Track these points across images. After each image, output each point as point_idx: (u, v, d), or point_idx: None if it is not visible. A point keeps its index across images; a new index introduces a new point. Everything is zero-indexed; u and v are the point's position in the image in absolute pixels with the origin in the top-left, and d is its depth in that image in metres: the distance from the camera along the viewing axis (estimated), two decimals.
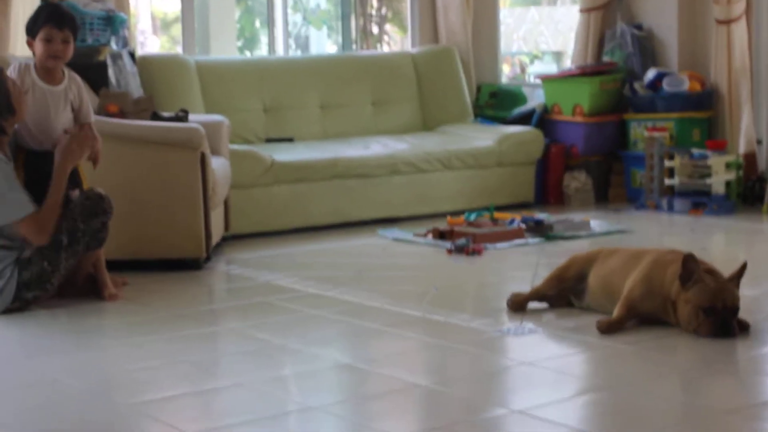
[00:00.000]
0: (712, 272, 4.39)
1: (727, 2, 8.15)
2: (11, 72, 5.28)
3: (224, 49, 11.25)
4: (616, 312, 4.51)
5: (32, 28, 5.37)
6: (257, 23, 12.38)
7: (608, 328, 4.44)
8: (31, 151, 5.34)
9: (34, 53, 5.40)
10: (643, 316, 4.54)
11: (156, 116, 6.50)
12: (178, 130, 6.10)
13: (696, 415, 3.49)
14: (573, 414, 3.54)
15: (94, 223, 5.24)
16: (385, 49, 11.25)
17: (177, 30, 11.55)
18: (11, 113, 5.15)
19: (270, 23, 8.96)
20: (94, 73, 6.79)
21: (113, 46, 7.14)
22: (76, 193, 5.35)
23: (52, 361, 4.29)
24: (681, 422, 3.44)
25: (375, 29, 11.06)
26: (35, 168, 5.31)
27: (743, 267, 4.43)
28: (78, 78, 5.54)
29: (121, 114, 6.40)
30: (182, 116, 6.51)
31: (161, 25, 12.53)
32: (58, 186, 5.18)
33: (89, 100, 5.63)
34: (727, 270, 4.47)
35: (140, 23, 10.70)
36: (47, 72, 5.37)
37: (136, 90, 7.13)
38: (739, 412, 3.48)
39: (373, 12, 10.90)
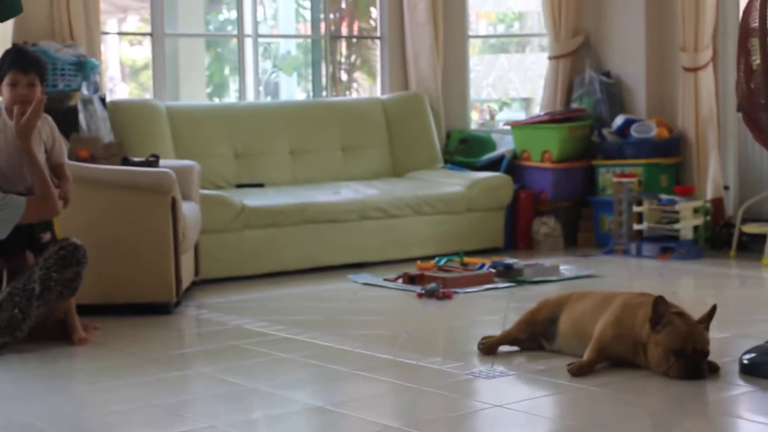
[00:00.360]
0: (682, 315, 4.42)
1: (694, 50, 8.25)
2: None
3: (193, 95, 11.27)
4: (586, 355, 4.53)
5: None
6: (226, 70, 12.41)
7: (579, 371, 4.45)
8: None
9: (2, 97, 5.40)
10: (614, 358, 4.56)
11: (126, 161, 6.51)
12: (149, 175, 6.11)
13: None
14: None
15: (67, 273, 5.23)
16: (354, 96, 11.30)
17: (145, 77, 11.57)
18: None
19: (240, 69, 8.98)
20: (64, 118, 6.79)
21: (84, 91, 7.16)
22: (47, 236, 5.34)
23: (23, 406, 4.26)
24: None
25: (344, 76, 11.11)
26: None
27: (713, 309, 4.47)
28: (50, 119, 5.55)
29: (92, 159, 6.41)
30: (153, 161, 6.52)
31: (130, 72, 12.54)
32: (35, 164, 5.18)
33: (62, 140, 5.63)
34: (696, 314, 4.50)
35: (109, 70, 10.71)
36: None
37: (106, 135, 7.14)
38: None
39: (342, 59, 10.95)
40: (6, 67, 5.35)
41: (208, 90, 12.08)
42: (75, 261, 5.24)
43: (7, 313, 5.11)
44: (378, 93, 9.60)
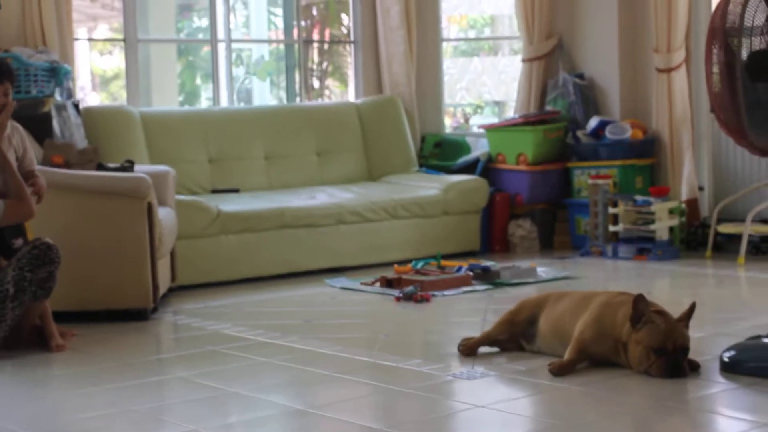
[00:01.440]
0: (661, 313, 4.43)
1: (667, 51, 8.27)
2: None
3: (165, 103, 11.24)
4: (567, 354, 4.53)
5: None
6: (198, 79, 12.38)
7: (560, 370, 4.45)
8: None
9: None
10: (595, 358, 4.56)
11: (101, 167, 6.47)
12: (125, 180, 6.07)
13: None
14: None
15: (41, 273, 5.20)
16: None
17: (116, 87, 11.52)
18: None
19: (214, 75, 8.96)
20: (38, 124, 6.77)
21: (57, 97, 7.12)
22: (19, 242, 5.31)
23: (3, 413, 4.22)
24: None
25: (316, 83, 11.10)
26: None
27: (692, 307, 4.48)
28: (20, 128, 5.52)
29: (66, 165, 6.37)
30: (128, 167, 6.49)
31: (100, 82, 12.49)
32: (8, 165, 5.19)
33: (32, 149, 5.60)
34: (674, 313, 4.51)
35: (80, 79, 10.68)
36: None
37: (80, 141, 7.10)
38: None
39: (314, 66, 10.94)
40: None
41: (180, 98, 12.05)
42: (48, 260, 5.21)
43: None
44: (350, 98, 9.59)
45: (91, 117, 7.58)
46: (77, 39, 8.02)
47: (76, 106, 7.29)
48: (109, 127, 7.65)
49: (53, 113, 6.93)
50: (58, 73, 7.12)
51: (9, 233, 5.34)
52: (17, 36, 7.45)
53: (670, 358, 4.33)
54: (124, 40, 8.41)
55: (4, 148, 5.26)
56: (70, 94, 7.29)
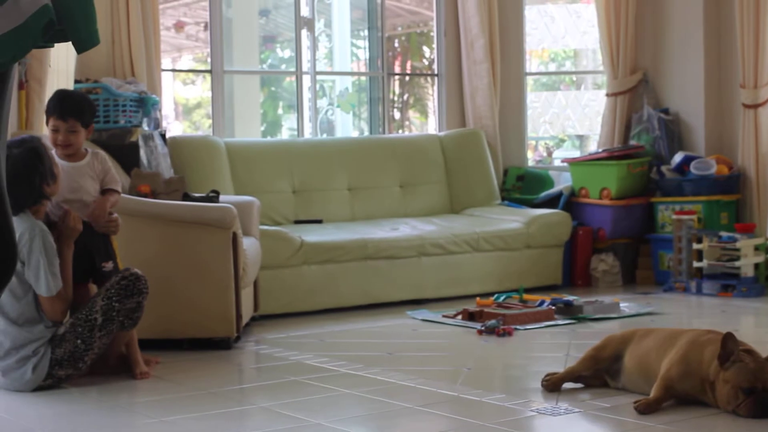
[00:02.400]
0: (750, 352, 4.37)
1: (754, 86, 8.20)
2: None
3: (248, 133, 11.35)
4: (653, 392, 4.48)
5: (46, 115, 5.50)
6: (280, 109, 12.49)
7: (646, 408, 4.40)
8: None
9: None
10: (681, 396, 4.50)
11: (187, 197, 6.53)
12: (211, 210, 6.12)
13: None
14: None
15: (129, 303, 5.25)
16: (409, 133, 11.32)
17: (198, 116, 11.66)
18: (54, 179, 5.20)
19: (298, 106, 9.02)
20: (126, 154, 6.85)
21: (145, 127, 7.21)
22: (109, 265, 5.38)
23: None
24: None
25: (397, 115, 11.14)
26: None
27: None
28: (101, 153, 5.59)
29: (153, 194, 6.44)
30: (213, 197, 6.55)
31: (183, 111, 12.65)
32: (66, 270, 5.22)
33: (116, 173, 5.65)
34: (762, 352, 4.44)
35: (163, 109, 10.85)
36: (67, 156, 5.45)
37: (167, 171, 7.18)
38: None
39: (395, 98, 10.99)
40: (48, 112, 5.47)
41: (262, 128, 12.15)
42: (137, 291, 5.26)
43: (70, 345, 5.13)
44: (431, 130, 9.59)
45: (177, 147, 7.66)
46: (164, 70, 8.11)
47: (162, 135, 7.36)
48: (195, 157, 7.73)
49: (140, 143, 7.01)
50: (146, 104, 7.21)
51: (99, 257, 5.42)
52: (106, 67, 7.56)
53: (759, 397, 4.26)
54: (210, 71, 8.50)
55: (86, 183, 5.37)
56: (157, 125, 7.38)
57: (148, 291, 5.33)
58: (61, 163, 5.37)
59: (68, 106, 5.43)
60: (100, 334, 5.18)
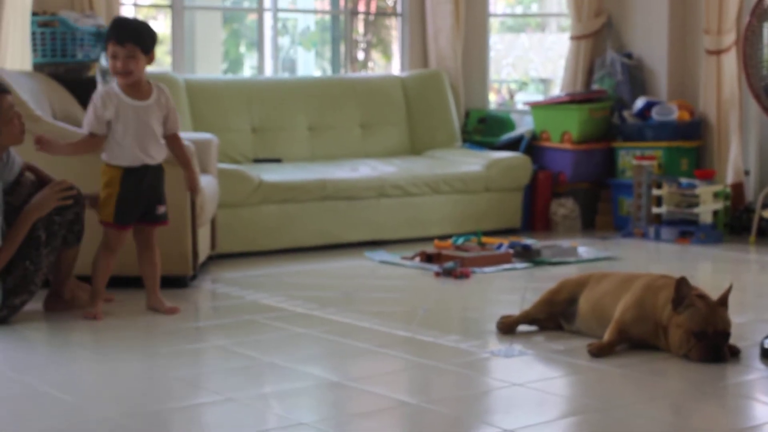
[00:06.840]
0: (703, 297, 4.38)
1: (717, 32, 8.18)
2: (96, 95, 5.29)
3: (209, 71, 11.27)
4: (606, 335, 4.50)
5: (105, 43, 5.40)
6: (242, 47, 12.39)
7: (599, 352, 4.42)
8: (127, 168, 5.33)
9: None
10: (634, 340, 4.52)
11: None
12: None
13: None
14: None
15: (68, 215, 5.24)
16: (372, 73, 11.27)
17: (160, 52, 11.53)
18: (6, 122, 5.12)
19: (259, 44, 8.93)
20: (82, 89, 6.74)
21: (102, 62, 7.11)
22: (163, 209, 5.53)
23: (40, 376, 4.22)
24: None
25: (360, 55, 11.07)
26: (134, 183, 5.36)
27: (729, 289, 4.42)
28: (166, 89, 5.48)
29: None
30: None
31: None
32: (20, 232, 5.13)
33: (176, 110, 5.57)
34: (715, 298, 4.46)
35: None
36: (131, 88, 5.34)
37: None
38: None
39: (359, 38, 10.91)
40: (106, 39, 5.36)
41: (224, 66, 12.06)
42: (73, 201, 5.24)
43: (20, 269, 5.11)
44: (394, 71, 9.54)
45: None
46: (123, 4, 8.00)
47: None
48: None
49: (98, 78, 6.92)
50: (104, 38, 7.10)
51: (159, 200, 5.46)
52: (64, 0, 7.45)
53: (711, 342, 4.29)
54: (170, 6, 8.40)
55: (153, 115, 5.37)
56: None
57: (84, 203, 5.31)
58: (128, 102, 5.31)
59: (126, 31, 5.30)
60: (46, 251, 5.17)
